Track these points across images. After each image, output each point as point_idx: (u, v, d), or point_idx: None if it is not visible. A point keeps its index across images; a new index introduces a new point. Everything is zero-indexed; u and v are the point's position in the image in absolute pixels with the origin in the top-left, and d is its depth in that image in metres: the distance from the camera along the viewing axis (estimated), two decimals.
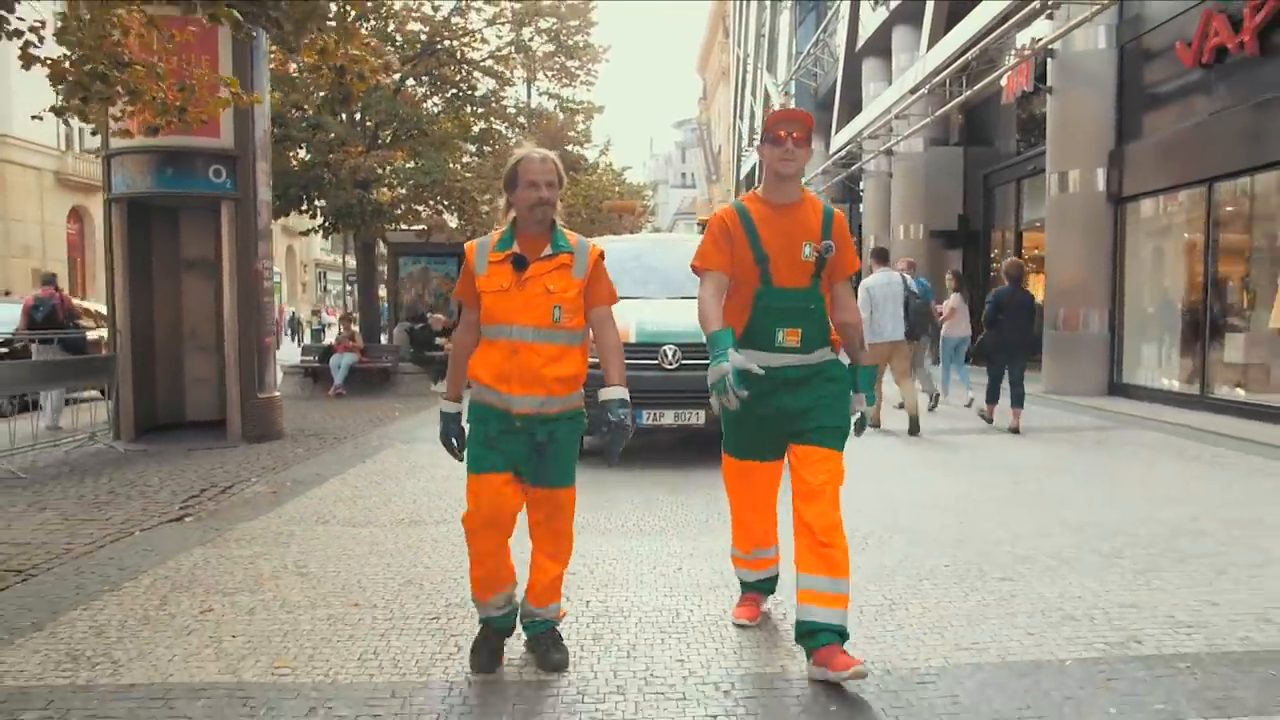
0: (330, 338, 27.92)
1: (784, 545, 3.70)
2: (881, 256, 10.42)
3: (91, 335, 11.08)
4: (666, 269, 8.37)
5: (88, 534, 5.35)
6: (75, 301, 12.25)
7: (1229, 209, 11.46)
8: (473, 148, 17.90)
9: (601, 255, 3.29)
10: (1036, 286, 16.09)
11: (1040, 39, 13.59)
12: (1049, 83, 13.88)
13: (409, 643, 3.55)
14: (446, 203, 16.29)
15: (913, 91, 18.14)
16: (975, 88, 15.95)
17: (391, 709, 2.98)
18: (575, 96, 19.62)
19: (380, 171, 15.31)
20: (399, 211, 16.66)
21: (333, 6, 5.96)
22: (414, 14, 14.60)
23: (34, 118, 6.69)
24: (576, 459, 3.30)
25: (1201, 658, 3.35)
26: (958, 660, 3.35)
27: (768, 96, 37.02)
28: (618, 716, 2.92)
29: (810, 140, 3.40)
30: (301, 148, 15.23)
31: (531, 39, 16.88)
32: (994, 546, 4.93)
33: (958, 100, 16.56)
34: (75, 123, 32.79)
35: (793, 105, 30.11)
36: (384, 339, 18.08)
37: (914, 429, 9.25)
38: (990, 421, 9.94)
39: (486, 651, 3.28)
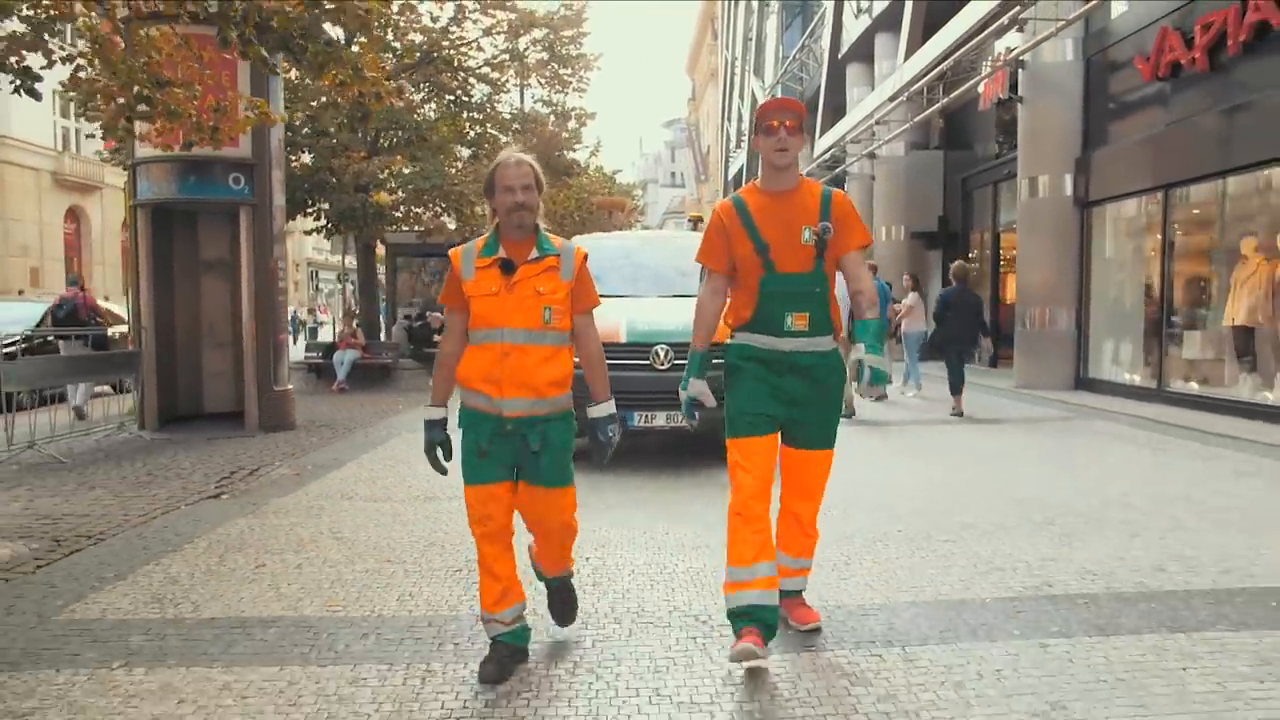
0: (324, 336, 28.59)
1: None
2: None
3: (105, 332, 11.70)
4: (657, 266, 8.31)
5: (139, 508, 5.99)
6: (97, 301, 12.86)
7: (1184, 214, 12.21)
8: (467, 152, 18.52)
9: (586, 257, 3.33)
10: (1009, 286, 16.85)
11: (1014, 49, 14.32)
12: (1020, 92, 14.61)
13: (438, 588, 4.22)
14: (444, 205, 16.92)
15: (891, 99, 18.84)
16: (952, 95, 16.65)
17: (430, 634, 3.64)
18: (568, 103, 20.24)
19: (382, 176, 15.93)
20: (399, 214, 17.31)
21: (354, 49, 6.60)
22: (414, 26, 15.20)
23: (88, 136, 7.30)
24: (571, 459, 3.32)
25: (1098, 597, 4.04)
26: (897, 600, 4.03)
27: (754, 100, 37.64)
28: (616, 640, 3.59)
29: (803, 128, 3.43)
30: (305, 152, 15.84)
31: (526, 49, 17.50)
32: (943, 516, 5.62)
33: (935, 107, 17.26)
34: (72, 124, 33.13)
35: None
36: (383, 336, 18.70)
37: (849, 413, 10.00)
38: (960, 415, 10.67)
39: (494, 665, 3.22)
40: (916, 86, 17.23)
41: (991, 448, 8.48)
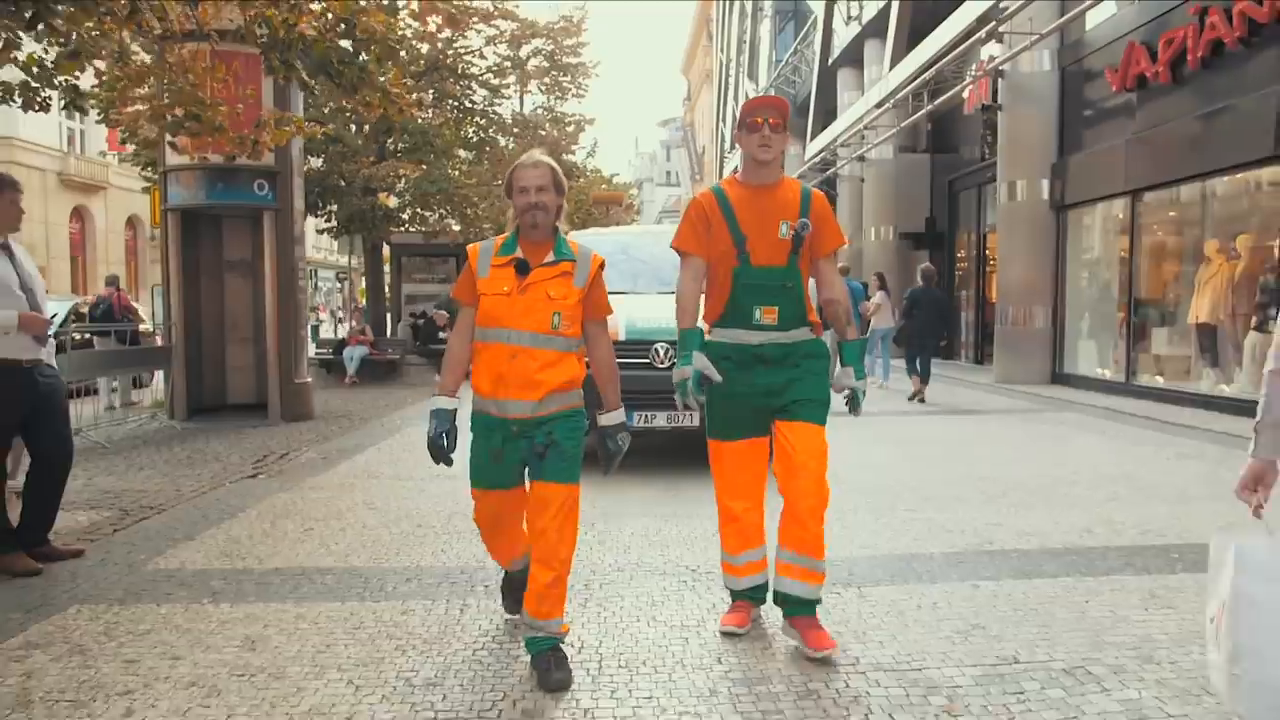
0: (323, 334, 29.31)
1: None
2: None
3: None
4: (655, 262, 8.10)
5: (189, 485, 6.67)
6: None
7: (1150, 217, 12.93)
8: (469, 155, 19.21)
9: (602, 265, 3.34)
10: (994, 286, 17.55)
11: (996, 57, 15.04)
12: (999, 100, 15.32)
13: (467, 545, 4.90)
14: (449, 208, 17.61)
15: (878, 106, 19.55)
16: (936, 102, 17.36)
17: (463, 579, 4.33)
18: (567, 109, 20.96)
19: (391, 180, 16.61)
20: (405, 216, 18.02)
21: (382, 77, 7.28)
22: (422, 39, 15.90)
23: (122, 142, 7.95)
24: (580, 458, 3.26)
25: (1030, 552, 4.74)
26: (858, 554, 4.73)
27: None
28: (619, 583, 4.27)
29: (787, 126, 3.46)
30: (316, 157, 16.50)
31: (528, 58, 18.20)
32: (908, 491, 6.32)
33: (920, 114, 17.97)
34: (78, 125, 33.69)
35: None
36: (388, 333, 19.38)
37: None
38: (923, 401, 11.52)
39: (511, 596, 3.61)
40: (901, 94, 17.93)
41: (962, 435, 9.19)
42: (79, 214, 33.97)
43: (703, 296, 3.60)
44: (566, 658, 3.23)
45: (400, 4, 12.54)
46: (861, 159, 22.69)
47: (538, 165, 3.24)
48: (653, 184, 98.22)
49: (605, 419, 3.31)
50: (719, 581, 3.98)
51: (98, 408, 10.56)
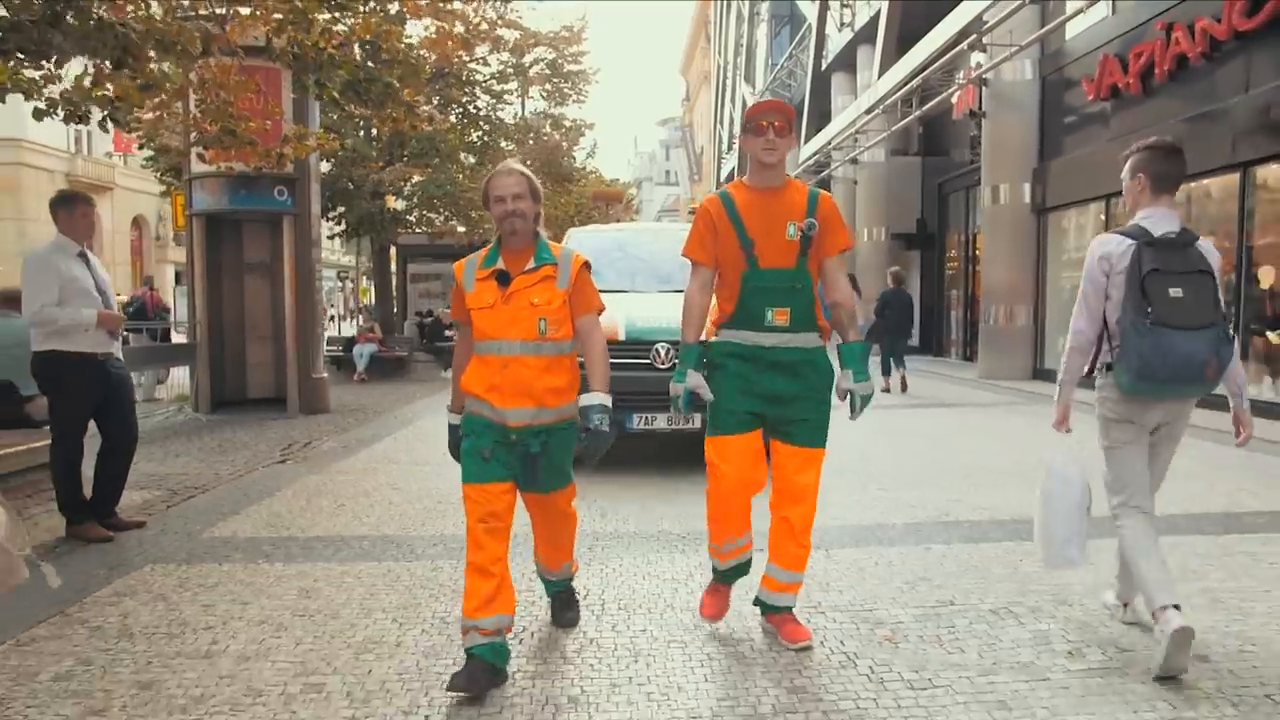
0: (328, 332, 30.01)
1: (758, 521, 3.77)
2: None
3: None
4: (655, 260, 8.04)
5: (225, 469, 7.30)
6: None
7: (1123, 221, 13.54)
8: (473, 159, 19.83)
9: (586, 265, 3.36)
10: (981, 285, 18.18)
11: (982, 64, 15.67)
12: (983, 107, 15.96)
13: None
14: (453, 210, 18.25)
15: (867, 112, 20.19)
16: (925, 108, 17.99)
17: None
18: (567, 114, 21.59)
19: (399, 184, 17.24)
20: (412, 218, 18.68)
21: (406, 95, 7.92)
22: (431, 47, 16.50)
23: (140, 147, 8.57)
24: (571, 463, 3.40)
25: (980, 523, 5.37)
26: (829, 524, 5.33)
27: (745, 105, 38.92)
28: (619, 548, 4.90)
29: (792, 129, 3.45)
30: (326, 161, 17.14)
31: (531, 66, 18.84)
32: (882, 473, 6.95)
33: (908, 119, 18.59)
34: (84, 127, 34.40)
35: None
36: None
37: None
38: (887, 390, 12.74)
39: (464, 675, 3.04)
40: (891, 101, 18.56)
41: (944, 427, 9.82)
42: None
43: (714, 299, 3.61)
44: (577, 599, 3.79)
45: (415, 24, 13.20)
46: (854, 161, 23.34)
47: (512, 173, 3.26)
48: (652, 183, 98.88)
49: (586, 399, 3.24)
50: (703, 546, 4.58)
51: None
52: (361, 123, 14.97)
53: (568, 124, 21.36)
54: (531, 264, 3.25)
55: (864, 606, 3.93)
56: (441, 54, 12.74)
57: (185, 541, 5.07)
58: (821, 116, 27.20)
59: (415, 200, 18.52)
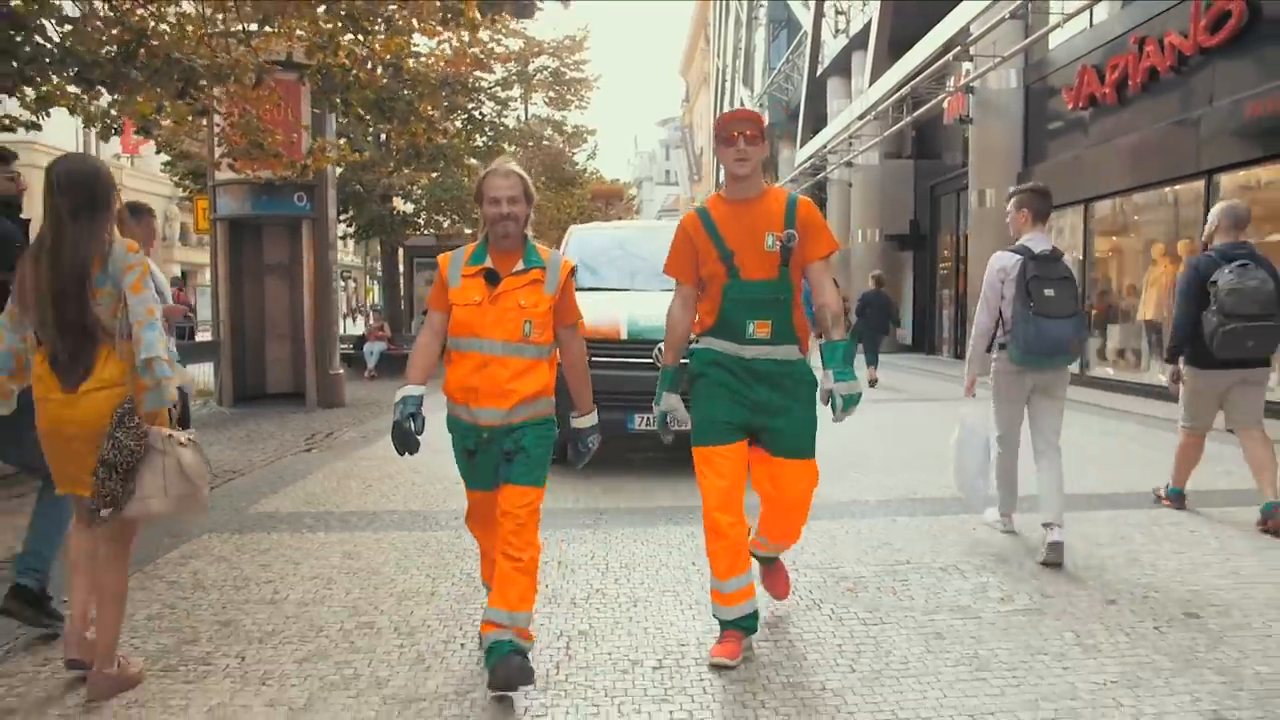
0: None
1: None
2: None
3: None
4: (656, 259, 8.02)
5: (257, 456, 7.92)
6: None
7: (1101, 224, 14.19)
8: (479, 163, 20.46)
9: (572, 271, 3.36)
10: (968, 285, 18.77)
11: (970, 72, 16.30)
12: (970, 114, 16.59)
13: None
14: (460, 213, 18.90)
15: (860, 118, 20.82)
16: (916, 113, 18.62)
17: None
18: (569, 119, 22.20)
19: (408, 187, 17.87)
20: (420, 220, 19.33)
21: (424, 110, 8.57)
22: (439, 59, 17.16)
23: (157, 152, 9.19)
24: (547, 465, 3.28)
25: (943, 499, 6.00)
26: None
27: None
28: (619, 521, 5.52)
29: (764, 137, 3.39)
30: (337, 165, 17.80)
31: (535, 75, 19.47)
32: (861, 459, 7.57)
33: (900, 124, 19.23)
34: (95, 130, 34.96)
35: (766, 117, 32.58)
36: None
37: None
38: (872, 385, 13.50)
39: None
40: (882, 108, 19.19)
41: (928, 420, 10.43)
42: None
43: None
44: (528, 662, 3.10)
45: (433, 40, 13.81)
46: (849, 164, 23.96)
47: (509, 176, 3.23)
48: (652, 183, 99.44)
49: (578, 422, 3.39)
50: (694, 517, 5.15)
51: None
52: (372, 130, 15.59)
53: (569, 129, 21.98)
54: (520, 265, 3.24)
55: (832, 565, 4.56)
56: (456, 71, 13.35)
57: (234, 516, 5.70)
58: (817, 120, 27.83)
59: (423, 203, 19.17)
